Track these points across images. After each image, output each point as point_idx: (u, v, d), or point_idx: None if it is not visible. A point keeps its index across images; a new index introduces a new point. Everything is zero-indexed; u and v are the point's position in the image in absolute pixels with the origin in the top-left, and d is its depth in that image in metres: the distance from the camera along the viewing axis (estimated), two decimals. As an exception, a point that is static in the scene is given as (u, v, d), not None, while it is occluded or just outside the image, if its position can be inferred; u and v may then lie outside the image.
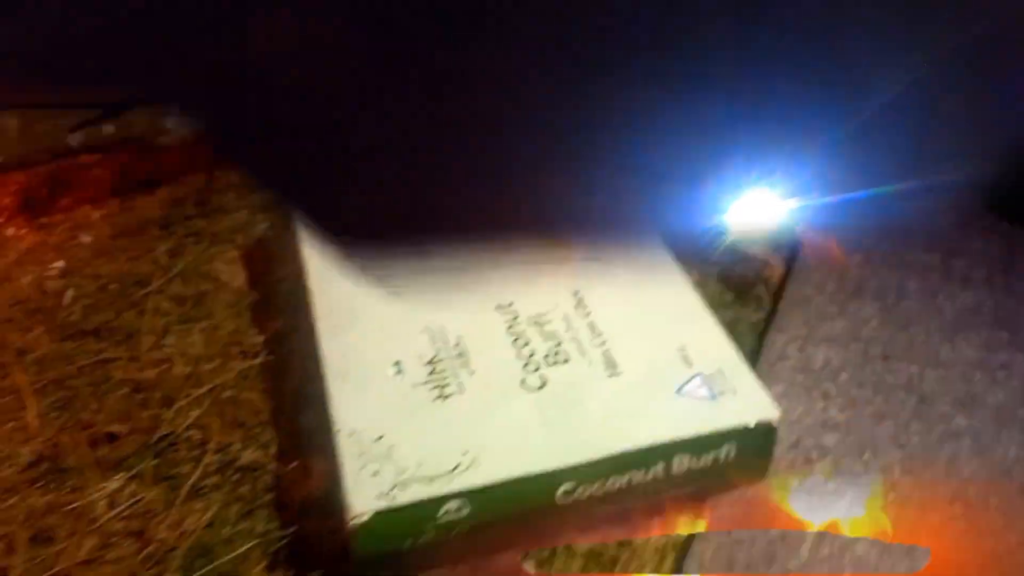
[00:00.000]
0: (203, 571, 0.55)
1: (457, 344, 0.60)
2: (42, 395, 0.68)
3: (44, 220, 0.86)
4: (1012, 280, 0.75)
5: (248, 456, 0.63)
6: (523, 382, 0.57)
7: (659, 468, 0.54)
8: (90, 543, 0.57)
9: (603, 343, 0.60)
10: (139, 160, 0.91)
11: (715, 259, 0.79)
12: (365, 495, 0.50)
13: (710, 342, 0.60)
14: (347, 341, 0.61)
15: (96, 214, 0.86)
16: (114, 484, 0.61)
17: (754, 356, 0.68)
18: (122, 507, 0.60)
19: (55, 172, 0.89)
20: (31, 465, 0.63)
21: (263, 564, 0.56)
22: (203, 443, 0.64)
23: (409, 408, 0.56)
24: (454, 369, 0.58)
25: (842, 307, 0.72)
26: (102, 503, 0.60)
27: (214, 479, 0.61)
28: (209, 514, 0.59)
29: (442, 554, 0.54)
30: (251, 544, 0.57)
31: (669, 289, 0.65)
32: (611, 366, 0.58)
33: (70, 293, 0.77)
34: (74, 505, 0.60)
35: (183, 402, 0.67)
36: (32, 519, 0.59)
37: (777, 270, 0.79)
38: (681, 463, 0.55)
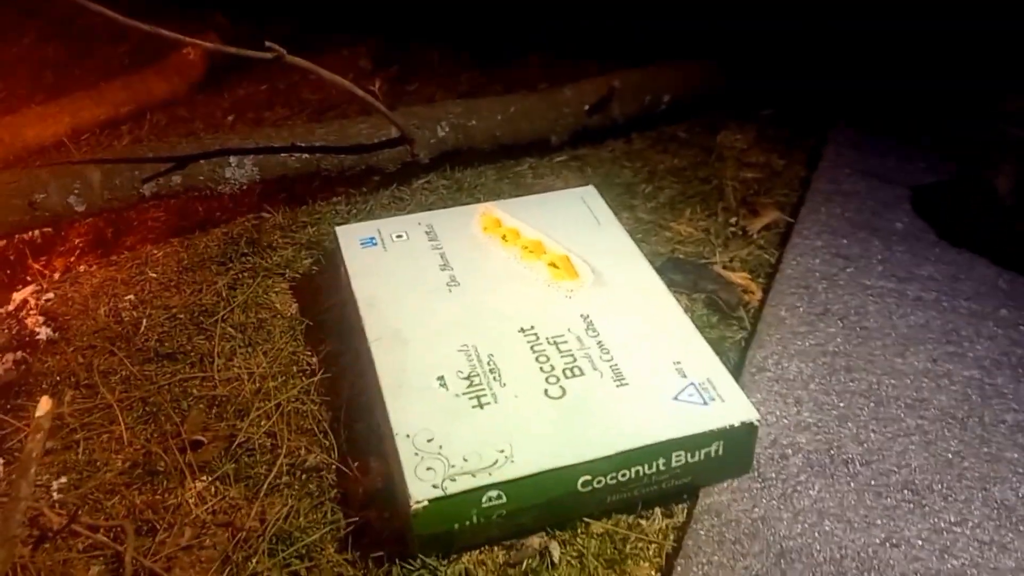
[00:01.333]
0: (286, 553, 0.66)
1: (489, 361, 0.72)
2: (129, 411, 0.79)
3: (113, 258, 0.97)
4: (957, 300, 0.87)
5: (314, 459, 0.74)
6: (546, 392, 0.69)
7: (660, 462, 0.66)
8: (188, 532, 0.69)
9: (611, 359, 0.72)
10: (195, 204, 1.03)
11: (702, 286, 0.91)
12: (422, 486, 0.61)
13: (700, 357, 0.72)
14: (397, 360, 0.72)
15: (159, 253, 0.97)
16: (201, 484, 0.72)
17: (738, 369, 0.80)
18: (210, 503, 0.71)
19: (120, 216, 1.01)
20: (126, 471, 0.74)
21: (334, 547, 0.67)
22: (274, 448, 0.75)
23: (453, 415, 0.67)
24: (488, 382, 0.70)
25: (812, 326, 0.84)
26: (193, 500, 0.71)
27: (286, 478, 0.73)
28: (286, 507, 0.70)
29: (484, 535, 0.65)
30: (323, 531, 0.68)
31: (663, 313, 0.77)
32: (619, 377, 0.70)
33: (144, 322, 0.88)
34: (170, 502, 0.71)
35: (254, 414, 0.78)
36: (134, 514, 0.70)
37: (756, 295, 0.91)
38: (679, 458, 0.66)
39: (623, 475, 0.66)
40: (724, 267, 0.95)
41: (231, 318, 0.88)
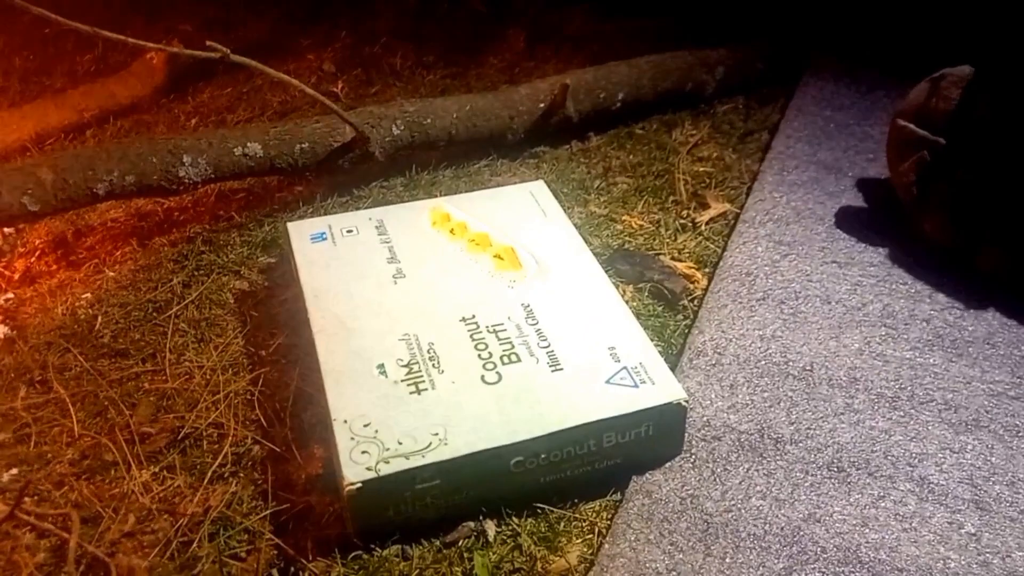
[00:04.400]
0: (227, 537, 0.68)
1: (429, 349, 0.74)
2: (81, 405, 0.81)
3: (72, 258, 0.99)
4: (895, 285, 0.89)
5: (259, 448, 0.76)
6: (483, 378, 0.71)
7: (591, 443, 0.68)
8: (132, 519, 0.70)
9: (548, 345, 0.74)
10: (154, 204, 1.04)
11: (649, 276, 0.92)
12: (356, 469, 0.63)
13: (633, 342, 0.73)
14: (339, 349, 0.74)
15: (118, 252, 0.99)
16: (147, 474, 0.74)
17: (678, 355, 0.82)
18: (156, 492, 0.72)
19: (81, 217, 1.03)
20: (76, 462, 0.76)
21: (275, 532, 0.69)
22: (221, 438, 0.77)
23: (390, 401, 0.69)
24: (427, 369, 0.72)
25: (751, 311, 0.86)
26: (138, 489, 0.73)
27: (231, 467, 0.74)
28: (229, 494, 0.72)
29: (421, 517, 0.66)
30: (264, 515, 0.70)
31: (601, 301, 0.79)
32: (554, 363, 0.72)
33: (99, 320, 0.90)
34: (116, 491, 0.73)
35: (202, 406, 0.80)
36: (82, 504, 0.72)
37: (701, 283, 0.93)
38: (609, 438, 0.68)
39: (555, 455, 0.67)
40: (672, 258, 0.97)
41: (184, 314, 0.90)
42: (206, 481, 0.73)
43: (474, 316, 0.77)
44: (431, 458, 0.64)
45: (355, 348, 0.74)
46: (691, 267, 0.95)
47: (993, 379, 0.78)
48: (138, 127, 1.22)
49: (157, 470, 0.74)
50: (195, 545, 0.68)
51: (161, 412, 0.80)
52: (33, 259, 1.00)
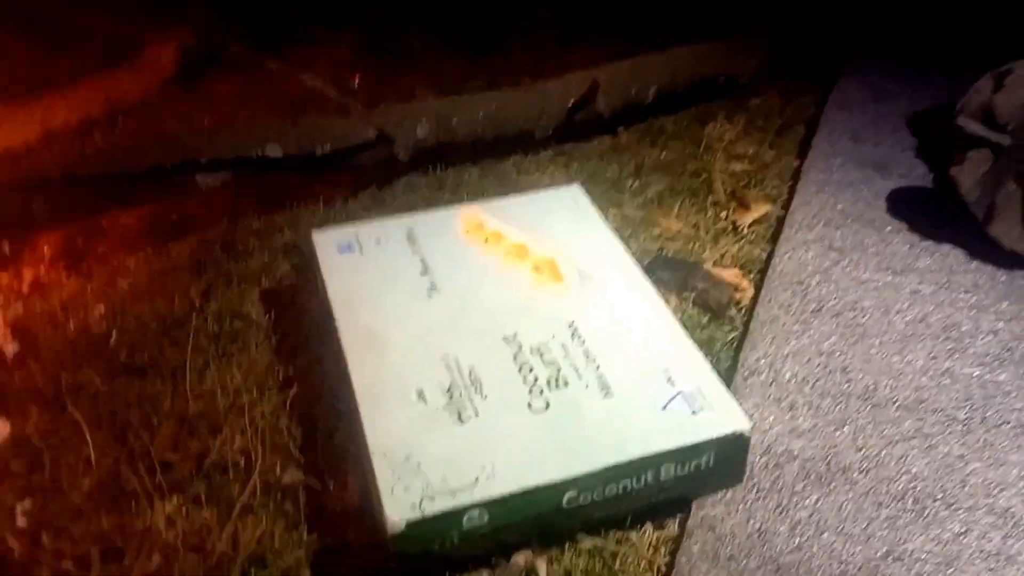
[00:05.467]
0: (255, 574, 0.64)
1: (471, 373, 0.68)
2: (97, 429, 0.76)
3: (83, 267, 0.94)
4: (956, 294, 0.84)
5: (289, 477, 0.71)
6: (529, 405, 0.66)
7: (649, 475, 0.63)
8: (157, 558, 0.66)
9: (597, 367, 0.69)
10: (168, 208, 0.99)
11: (692, 285, 0.88)
12: (399, 507, 0.58)
13: (689, 363, 0.68)
14: (373, 370, 0.69)
15: (131, 260, 0.94)
16: (171, 506, 0.69)
17: (730, 372, 0.77)
18: (180, 526, 0.68)
19: (92, 223, 0.97)
20: (94, 494, 0.71)
21: (311, 571, 0.64)
22: (248, 466, 0.72)
23: (432, 430, 0.64)
24: (469, 395, 0.67)
25: (806, 325, 0.81)
26: (162, 523, 0.68)
27: (260, 498, 0.70)
28: (260, 529, 0.67)
29: (467, 553, 0.62)
30: (299, 553, 0.65)
31: (652, 317, 0.74)
32: (604, 388, 0.67)
33: (114, 335, 0.85)
34: (137, 526, 0.68)
35: (227, 430, 0.75)
36: (100, 539, 0.67)
37: (748, 292, 0.88)
38: (668, 471, 0.63)
39: (610, 490, 0.63)
40: (714, 264, 0.92)
41: (204, 329, 0.85)
42: (235, 515, 0.68)
43: (516, 335, 0.72)
44: (479, 495, 0.59)
45: (391, 370, 0.69)
46: (737, 274, 0.90)
47: (1070, 398, 0.73)
48: (148, 123, 1.16)
49: (181, 501, 0.70)
50: (226, 587, 0.63)
51: (183, 437, 0.75)
52: (42, 268, 0.95)
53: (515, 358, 0.70)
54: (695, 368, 0.68)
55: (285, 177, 0.98)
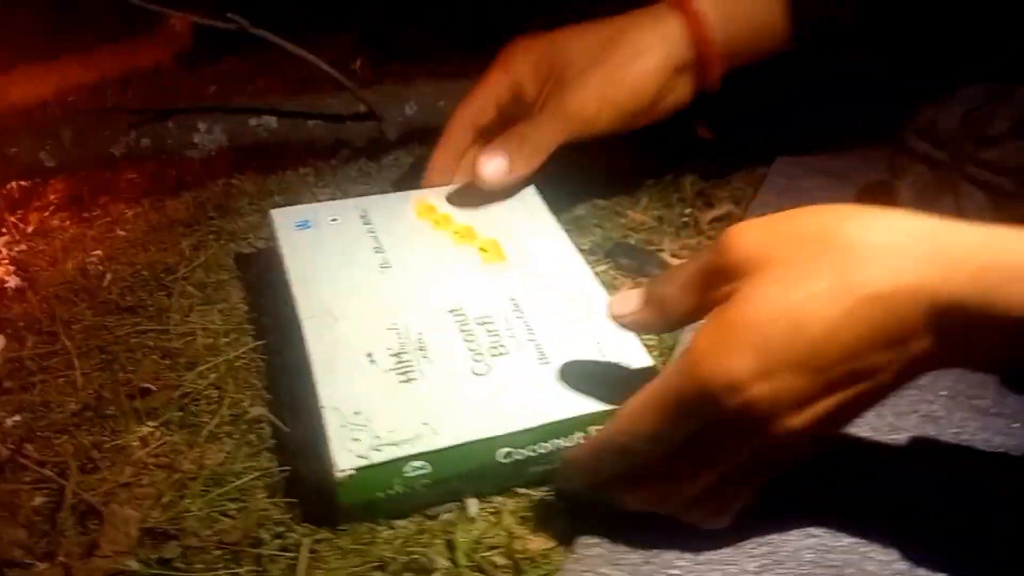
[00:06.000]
0: (218, 493, 0.70)
1: (419, 339, 0.74)
2: (86, 358, 0.83)
3: (86, 215, 1.01)
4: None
5: (255, 411, 0.78)
6: (473, 370, 0.72)
7: (578, 436, 0.68)
8: (128, 472, 0.72)
9: (535, 338, 0.75)
10: (169, 168, 1.06)
11: (648, 271, 0.94)
12: (347, 456, 0.64)
13: (620, 338, 0.74)
14: (328, 336, 0.74)
15: (130, 212, 1.01)
16: (147, 429, 0.76)
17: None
18: (153, 446, 0.75)
19: (97, 176, 1.05)
20: (78, 413, 0.78)
21: (265, 493, 0.71)
22: (219, 400, 0.79)
23: (380, 390, 0.69)
24: (416, 359, 0.72)
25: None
26: (137, 443, 0.75)
27: (228, 428, 0.76)
28: (223, 454, 0.74)
29: (410, 503, 0.67)
30: (255, 476, 0.72)
31: (588, 298, 0.80)
32: (541, 356, 0.73)
33: (108, 276, 0.92)
34: (115, 443, 0.75)
35: (204, 367, 0.82)
36: (80, 453, 0.74)
37: (699, 281, 0.94)
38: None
39: (543, 447, 0.68)
40: (672, 254, 0.99)
41: (192, 277, 0.92)
42: (202, 440, 0.75)
43: (461, 308, 0.77)
44: (421, 447, 0.65)
45: (343, 336, 0.74)
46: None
47: (977, 395, 0.79)
48: (158, 91, 1.24)
49: (156, 426, 0.77)
50: (188, 500, 0.70)
51: (164, 370, 0.82)
52: (47, 213, 1.03)
53: (460, 328, 0.76)
54: (623, 341, 0.74)
55: (279, 147, 1.05)
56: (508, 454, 0.67)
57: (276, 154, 1.06)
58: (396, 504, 0.68)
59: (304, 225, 0.87)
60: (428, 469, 0.65)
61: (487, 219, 0.89)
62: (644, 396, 0.56)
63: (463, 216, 0.89)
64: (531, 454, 0.68)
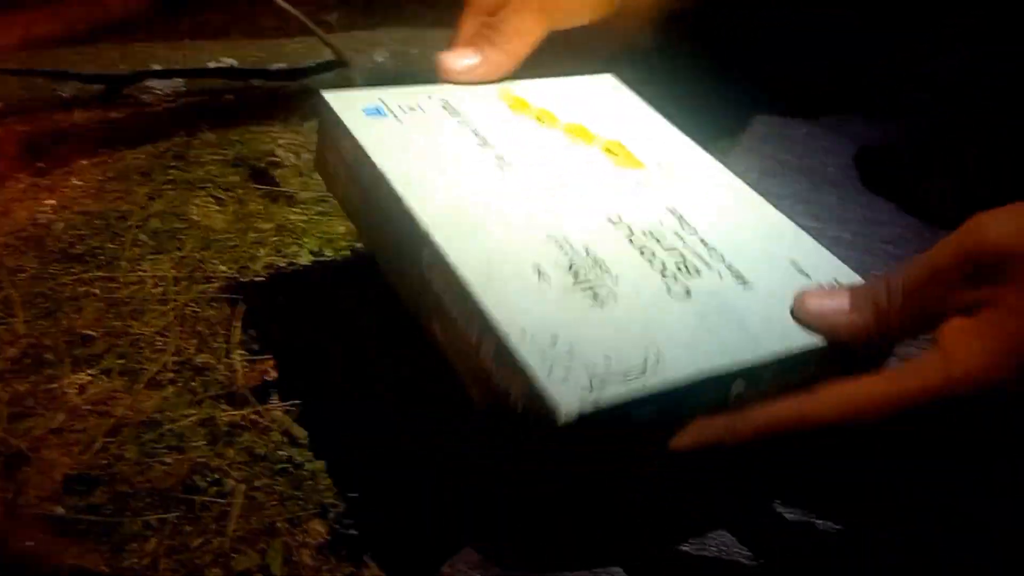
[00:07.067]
0: (151, 439, 0.66)
1: (588, 252, 0.56)
2: (30, 306, 0.79)
3: (41, 165, 0.98)
4: (875, 243, 0.85)
5: (201, 358, 0.74)
6: (669, 290, 0.55)
7: (811, 371, 0.53)
8: (60, 418, 0.69)
9: (722, 258, 0.59)
10: (130, 117, 1.03)
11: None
12: (568, 393, 0.46)
13: (813, 253, 0.61)
14: (475, 249, 0.54)
15: (87, 161, 0.98)
16: (85, 376, 0.73)
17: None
18: (90, 393, 0.71)
19: (53, 124, 1.01)
20: (16, 360, 0.74)
21: (204, 440, 0.67)
22: (164, 347, 0.75)
23: (570, 312, 0.52)
24: (597, 275, 0.55)
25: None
26: (74, 390, 0.71)
27: (171, 375, 0.73)
28: (163, 400, 0.70)
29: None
30: (195, 422, 0.68)
31: (752, 207, 0.66)
32: (739, 278, 0.57)
33: (60, 225, 0.88)
34: (50, 388, 0.71)
35: (150, 315, 0.78)
36: (14, 401, 0.70)
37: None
38: (833, 368, 0.53)
39: (775, 386, 0.53)
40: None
41: (146, 226, 0.88)
42: (142, 386, 0.71)
43: (621, 217, 0.60)
44: (653, 380, 0.48)
45: (494, 247, 0.55)
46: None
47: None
48: (129, 43, 1.20)
49: (95, 373, 0.73)
50: (120, 446, 0.66)
51: (108, 318, 0.78)
52: (2, 162, 0.99)
53: (631, 241, 0.58)
54: (821, 258, 0.60)
55: (243, 94, 1.01)
56: (739, 392, 0.52)
57: (239, 102, 1.02)
58: (613, 446, 0.52)
59: (377, 112, 0.65)
60: (655, 407, 0.50)
61: (595, 116, 0.70)
62: (915, 392, 0.47)
63: (566, 113, 0.70)
64: (758, 396, 0.52)
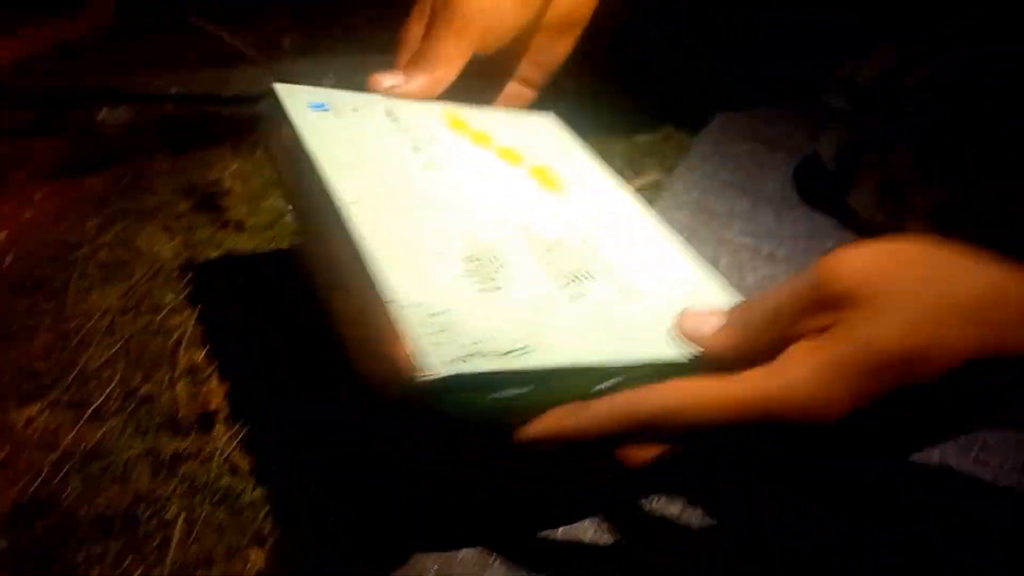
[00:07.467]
0: (96, 470, 0.68)
1: (491, 249, 0.60)
2: (-21, 339, 0.81)
3: (-6, 196, 0.99)
4: (811, 258, 0.88)
5: (146, 388, 0.76)
6: (559, 292, 0.58)
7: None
8: (6, 451, 0.70)
9: (618, 275, 0.62)
10: (85, 146, 1.04)
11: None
12: (434, 358, 0.49)
13: (710, 283, 0.64)
14: (385, 227, 0.58)
15: (41, 191, 0.99)
16: (32, 409, 0.74)
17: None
18: (36, 425, 0.72)
19: (9, 153, 1.02)
20: (-35, 393, 0.76)
21: (148, 471, 0.69)
22: (110, 379, 0.77)
23: (459, 295, 0.54)
24: (496, 268, 0.58)
25: (660, 278, 0.85)
26: (20, 423, 0.73)
27: (116, 405, 0.74)
28: (109, 432, 0.72)
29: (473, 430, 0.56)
30: (139, 453, 0.70)
31: (661, 237, 0.70)
32: (630, 294, 0.61)
33: (10, 256, 0.90)
34: (-2, 423, 0.73)
35: (98, 347, 0.79)
36: (-38, 434, 0.72)
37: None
38: None
39: (639, 382, 0.55)
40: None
41: (96, 256, 0.90)
42: (86, 418, 0.73)
43: (531, 226, 0.64)
44: (524, 363, 0.51)
45: (402, 228, 0.58)
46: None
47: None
48: (77, 68, 1.21)
49: (43, 405, 0.74)
50: (64, 479, 0.67)
51: (55, 350, 0.79)
52: (-44, 196, 1.00)
53: (534, 247, 0.62)
54: (713, 283, 0.64)
55: (193, 122, 1.02)
56: (603, 391, 0.55)
57: (192, 131, 1.04)
58: (472, 421, 0.55)
59: (320, 107, 0.70)
60: (517, 391, 0.52)
61: (528, 144, 0.75)
62: (737, 396, 0.50)
63: (502, 138, 0.75)
64: (615, 388, 0.55)
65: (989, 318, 0.45)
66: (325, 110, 0.69)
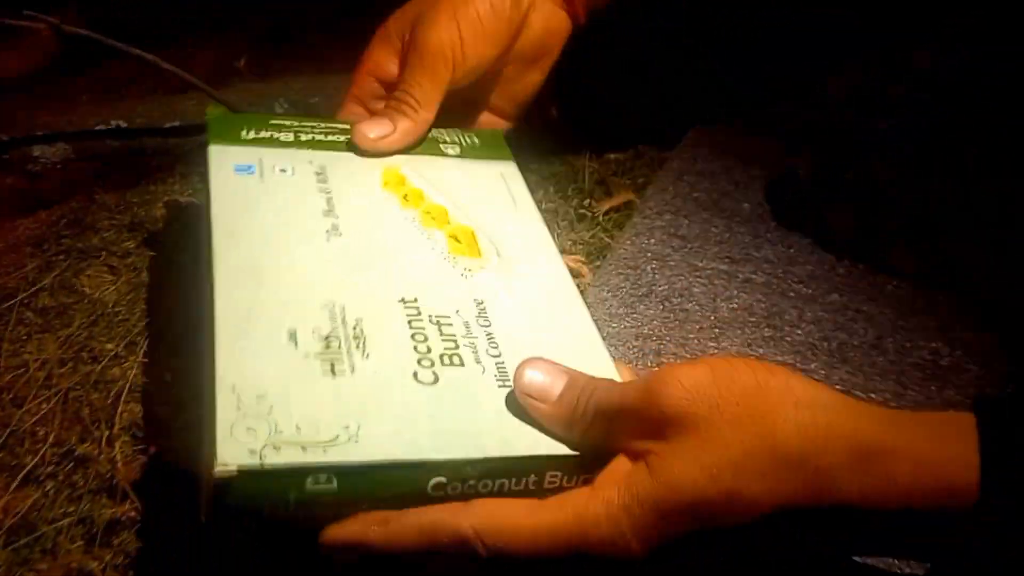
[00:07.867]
0: (22, 543, 0.63)
1: (356, 326, 0.59)
2: (-97, 399, 0.76)
3: (-74, 239, 0.94)
4: (788, 284, 0.84)
5: (84, 449, 0.70)
6: (415, 375, 0.57)
7: (531, 480, 0.54)
8: (-65, 523, 0.65)
9: (499, 355, 0.60)
10: (19, 184, 0.99)
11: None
12: (236, 449, 0.48)
13: (600, 370, 0.59)
14: (244, 301, 0.58)
15: (-26, 235, 0.94)
16: (-37, 476, 0.69)
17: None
18: (-34, 494, 0.67)
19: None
20: None
21: (82, 541, 0.64)
22: (45, 438, 0.71)
23: (296, 376, 0.54)
24: (349, 349, 0.57)
25: (631, 308, 0.80)
26: (-51, 491, 0.67)
27: (50, 468, 0.69)
28: (39, 498, 0.66)
29: (297, 525, 0.52)
30: (72, 521, 0.64)
31: (567, 314, 0.66)
32: (503, 378, 0.58)
33: (-56, 308, 0.84)
34: (-77, 493, 0.67)
35: (32, 402, 0.74)
36: None
37: (587, 278, 0.87)
38: (553, 479, 0.54)
39: (484, 485, 0.53)
40: (562, 251, 0.92)
41: (33, 303, 0.85)
42: (17, 483, 0.68)
43: (416, 300, 0.62)
44: (333, 456, 0.49)
45: (264, 303, 0.59)
46: (579, 261, 0.90)
47: (876, 388, 0.73)
48: (27, 101, 1.16)
49: (-27, 471, 0.69)
50: (-12, 555, 0.62)
51: (-13, 409, 0.74)
52: None
53: (410, 323, 0.60)
54: (601, 373, 0.58)
55: (139, 154, 0.97)
56: (440, 485, 0.52)
57: (135, 163, 0.99)
58: (281, 522, 0.52)
59: (246, 169, 0.71)
60: (334, 485, 0.50)
61: (465, 202, 0.73)
62: (548, 527, 0.51)
63: (438, 194, 0.74)
64: (469, 491, 0.53)
65: (807, 465, 0.44)
66: (250, 173, 0.71)
